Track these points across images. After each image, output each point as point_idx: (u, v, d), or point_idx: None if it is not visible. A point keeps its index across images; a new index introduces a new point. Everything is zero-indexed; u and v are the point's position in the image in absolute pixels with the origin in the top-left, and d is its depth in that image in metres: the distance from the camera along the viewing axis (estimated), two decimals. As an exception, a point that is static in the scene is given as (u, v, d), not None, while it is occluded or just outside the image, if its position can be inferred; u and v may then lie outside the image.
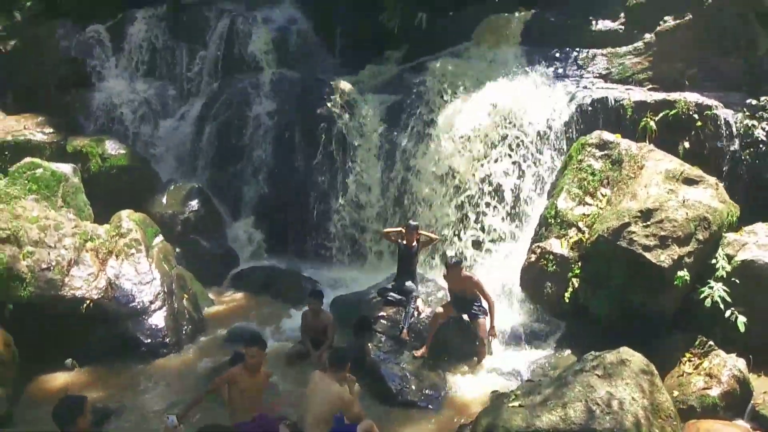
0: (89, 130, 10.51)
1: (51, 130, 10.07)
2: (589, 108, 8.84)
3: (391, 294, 7.66)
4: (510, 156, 8.99)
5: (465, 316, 7.41)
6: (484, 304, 7.33)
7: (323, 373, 5.32)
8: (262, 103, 10.56)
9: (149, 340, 7.51)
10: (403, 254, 7.83)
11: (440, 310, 7.32)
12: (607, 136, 8.34)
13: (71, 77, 10.82)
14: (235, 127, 10.54)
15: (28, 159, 8.75)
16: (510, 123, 9.06)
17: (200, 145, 10.67)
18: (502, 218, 8.86)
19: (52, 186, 8.50)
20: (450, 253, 8.66)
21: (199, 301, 8.54)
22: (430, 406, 6.67)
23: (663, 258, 6.75)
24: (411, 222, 7.92)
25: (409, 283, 7.68)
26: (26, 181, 8.31)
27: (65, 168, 8.85)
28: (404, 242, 7.71)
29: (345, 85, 10.24)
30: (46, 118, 10.20)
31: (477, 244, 8.90)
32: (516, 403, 5.44)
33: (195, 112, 10.93)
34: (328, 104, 10.00)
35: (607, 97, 8.75)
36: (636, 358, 5.58)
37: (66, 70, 10.86)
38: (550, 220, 8.02)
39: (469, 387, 6.94)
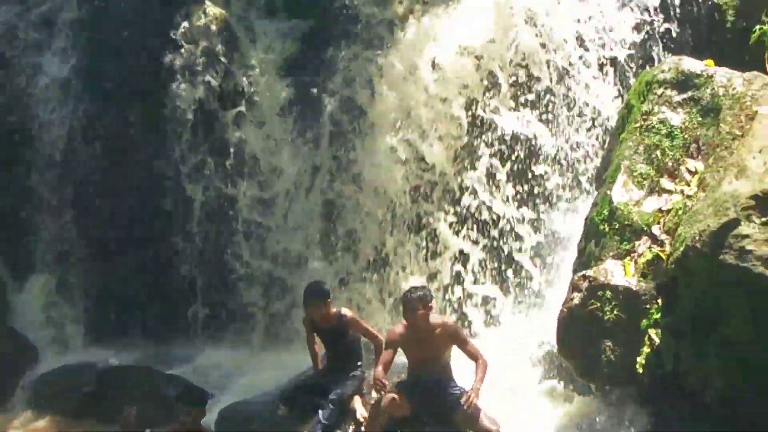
0: None
1: None
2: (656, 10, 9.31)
3: (298, 397, 7.51)
4: (518, 109, 9.33)
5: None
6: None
7: None
8: (54, 55, 10.53)
9: None
10: (322, 335, 7.66)
11: (388, 398, 7.00)
12: (691, 64, 8.09)
13: None
14: (8, 103, 10.55)
15: None
16: (515, 47, 9.45)
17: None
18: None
19: None
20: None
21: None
22: None
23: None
24: (313, 286, 7.71)
25: (334, 379, 7.46)
26: None
27: None
28: (314, 319, 7.61)
29: (213, 8, 10.30)
30: None
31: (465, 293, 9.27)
32: None
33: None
34: (185, 46, 10.08)
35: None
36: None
37: None
38: (602, 228, 7.75)
39: None
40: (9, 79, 10.62)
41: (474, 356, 7.04)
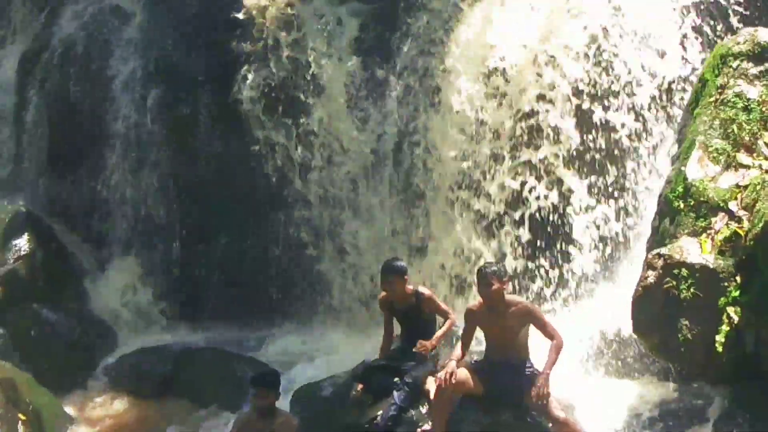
0: None
1: None
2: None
3: (373, 377, 7.42)
4: (594, 98, 9.11)
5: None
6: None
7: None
8: (127, 43, 10.61)
9: None
10: (399, 315, 7.62)
11: (459, 373, 6.92)
12: (767, 34, 8.06)
13: None
14: (83, 93, 10.70)
15: None
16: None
17: (22, 131, 10.86)
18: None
19: None
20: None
21: (47, 423, 8.17)
22: None
23: None
24: (390, 262, 7.63)
25: (409, 359, 7.35)
26: None
27: None
28: (390, 298, 7.57)
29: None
30: None
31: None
32: None
33: (7, 72, 11.16)
34: (252, 32, 10.12)
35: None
36: None
37: None
38: (677, 205, 7.73)
39: None
40: (82, 73, 10.78)
41: (550, 335, 6.98)
